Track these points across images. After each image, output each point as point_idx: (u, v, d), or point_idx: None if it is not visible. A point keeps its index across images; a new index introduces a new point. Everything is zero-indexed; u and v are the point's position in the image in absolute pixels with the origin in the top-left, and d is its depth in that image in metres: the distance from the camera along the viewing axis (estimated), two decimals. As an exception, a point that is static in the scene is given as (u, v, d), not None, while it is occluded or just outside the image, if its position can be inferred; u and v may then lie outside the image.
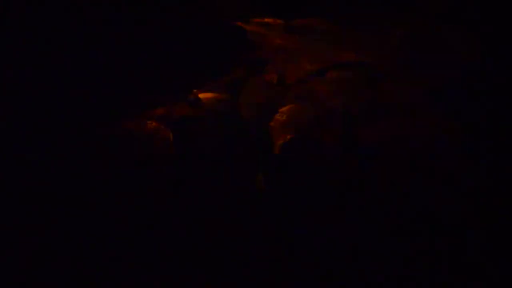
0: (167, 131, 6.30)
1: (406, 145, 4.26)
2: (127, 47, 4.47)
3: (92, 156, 4.06)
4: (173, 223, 3.18)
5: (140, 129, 5.80)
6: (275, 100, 7.36)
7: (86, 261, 2.82)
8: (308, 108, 6.87)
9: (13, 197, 3.22)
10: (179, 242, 2.98)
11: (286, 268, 2.77)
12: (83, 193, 3.42)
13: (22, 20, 3.52)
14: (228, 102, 7.24)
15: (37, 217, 3.14)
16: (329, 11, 4.55)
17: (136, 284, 2.69)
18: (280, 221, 3.20)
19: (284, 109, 7.21)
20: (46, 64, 3.83)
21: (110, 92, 4.56)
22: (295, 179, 3.79)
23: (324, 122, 6.60)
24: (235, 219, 3.22)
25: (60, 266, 2.79)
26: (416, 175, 3.59)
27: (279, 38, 5.22)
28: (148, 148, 5.71)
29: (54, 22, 3.70)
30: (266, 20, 4.61)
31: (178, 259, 2.85)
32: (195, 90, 6.76)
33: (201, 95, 7.30)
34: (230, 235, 3.04)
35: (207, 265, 2.81)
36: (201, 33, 4.87)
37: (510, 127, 3.91)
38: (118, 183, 3.71)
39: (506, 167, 3.53)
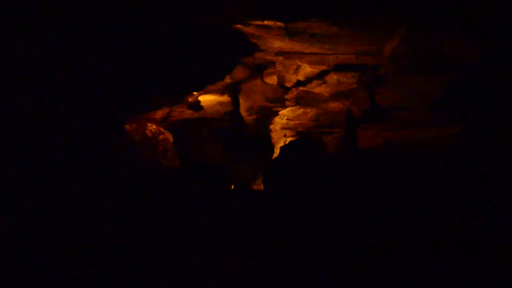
0: (167, 132, 6.33)
1: (406, 147, 4.28)
2: (127, 49, 4.49)
3: (92, 157, 4.07)
4: (173, 223, 3.19)
5: (140, 130, 5.82)
6: (276, 103, 7.40)
7: (85, 261, 2.83)
8: (308, 110, 6.91)
9: (13, 197, 3.24)
10: (179, 242, 2.99)
11: (284, 269, 2.78)
12: (82, 193, 3.43)
13: (25, 20, 3.54)
14: (229, 105, 7.27)
15: (36, 217, 3.15)
16: (330, 14, 4.58)
17: (135, 285, 2.70)
18: (280, 222, 3.21)
19: (284, 111, 7.25)
20: (46, 65, 3.86)
21: (110, 94, 4.58)
22: (295, 180, 3.80)
23: (324, 124, 6.63)
24: (235, 220, 3.24)
25: (59, 266, 2.80)
26: (416, 177, 3.62)
27: (279, 40, 5.25)
28: (148, 150, 5.72)
29: (57, 24, 3.72)
30: (266, 22, 4.63)
31: (178, 258, 2.86)
32: (195, 93, 6.78)
33: (201, 98, 7.33)
34: (230, 235, 3.05)
35: (206, 265, 2.82)
36: (201, 36, 4.90)
37: (510, 128, 3.93)
38: (119, 183, 3.73)
39: (506, 171, 3.55)
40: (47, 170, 3.57)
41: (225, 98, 6.97)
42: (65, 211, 3.25)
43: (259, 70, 6.60)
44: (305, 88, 6.32)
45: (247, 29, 4.98)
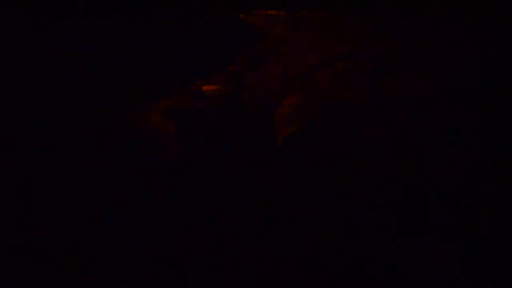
0: (170, 123, 6.29)
1: (412, 138, 4.25)
2: (130, 38, 4.45)
3: (95, 148, 4.06)
4: (174, 216, 3.17)
5: (143, 121, 5.80)
6: (279, 93, 7.35)
7: (85, 259, 2.81)
8: (312, 100, 6.86)
9: (13, 192, 3.22)
10: (180, 237, 2.97)
11: (285, 266, 2.76)
12: (84, 186, 3.41)
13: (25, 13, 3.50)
14: (231, 94, 7.23)
15: (36, 213, 3.13)
16: (333, 3, 4.52)
17: (135, 285, 2.68)
18: (282, 216, 3.19)
19: (287, 101, 7.20)
20: (47, 57, 3.82)
21: (112, 85, 4.55)
22: (298, 172, 3.78)
23: (328, 114, 6.58)
24: (236, 213, 3.21)
25: (58, 266, 2.78)
26: (422, 170, 3.58)
27: (283, 30, 5.21)
28: (151, 140, 5.70)
29: (57, 16, 3.68)
30: (269, 12, 4.60)
31: (179, 255, 2.84)
32: (198, 82, 6.74)
33: (204, 87, 7.29)
34: (231, 229, 3.03)
35: (206, 262, 2.80)
36: (205, 25, 4.85)
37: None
38: (121, 175, 3.70)
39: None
40: (47, 162, 3.55)
41: (228, 87, 6.94)
42: (63, 204, 3.23)
43: (262, 60, 6.56)
44: (308, 78, 6.27)
45: (251, 19, 4.93)
